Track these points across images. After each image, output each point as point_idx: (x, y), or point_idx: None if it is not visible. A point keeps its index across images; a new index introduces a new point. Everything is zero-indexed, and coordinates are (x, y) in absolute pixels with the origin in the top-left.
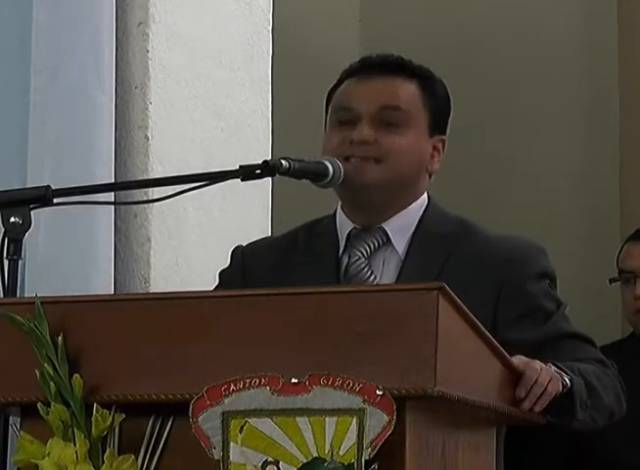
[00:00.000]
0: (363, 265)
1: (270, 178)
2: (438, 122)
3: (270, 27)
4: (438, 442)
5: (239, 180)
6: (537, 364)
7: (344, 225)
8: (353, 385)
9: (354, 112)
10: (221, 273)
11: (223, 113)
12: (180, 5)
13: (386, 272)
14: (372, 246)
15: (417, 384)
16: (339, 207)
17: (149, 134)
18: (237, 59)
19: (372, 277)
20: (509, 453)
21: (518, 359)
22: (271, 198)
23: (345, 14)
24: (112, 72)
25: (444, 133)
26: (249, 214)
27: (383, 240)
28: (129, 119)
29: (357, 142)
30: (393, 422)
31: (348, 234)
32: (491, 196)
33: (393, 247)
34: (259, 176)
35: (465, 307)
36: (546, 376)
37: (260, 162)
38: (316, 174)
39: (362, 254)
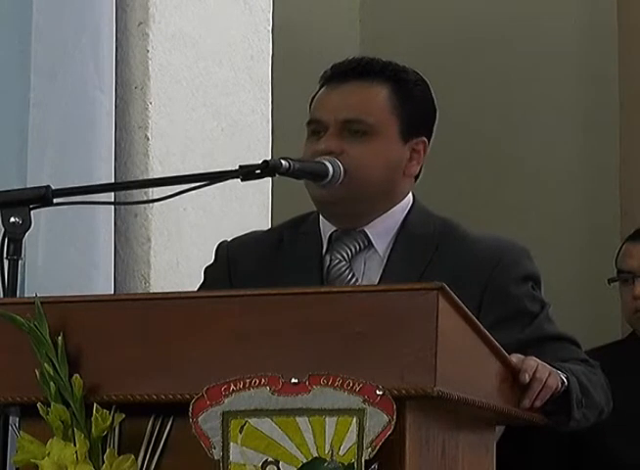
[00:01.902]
0: (344, 268)
1: (270, 178)
2: (415, 125)
3: (270, 27)
4: (438, 442)
5: (239, 180)
6: (535, 359)
7: (327, 226)
8: (353, 385)
9: (322, 123)
10: (206, 269)
11: (223, 113)
12: (180, 5)
13: (367, 275)
14: (353, 249)
15: (417, 384)
16: None
17: (149, 134)
18: (237, 59)
19: (353, 280)
20: (509, 453)
21: (515, 356)
22: (271, 198)
23: (345, 14)
24: (112, 72)
25: (425, 135)
26: (249, 214)
27: (364, 243)
28: (129, 119)
29: (323, 152)
30: (393, 422)
31: (330, 236)
32: (491, 196)
33: (375, 249)
34: (259, 176)
35: (465, 307)
36: (544, 371)
37: (260, 162)
38: (316, 174)
39: (343, 257)
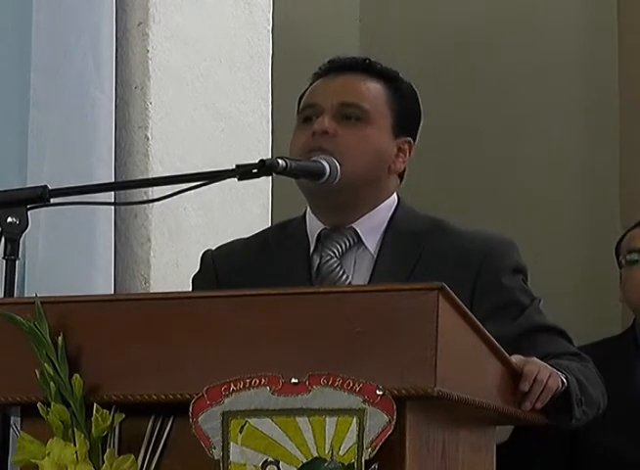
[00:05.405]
0: (335, 265)
1: (270, 178)
2: (404, 124)
3: (270, 27)
4: (438, 442)
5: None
6: (536, 361)
7: (315, 226)
8: (353, 385)
9: (317, 107)
10: (193, 279)
11: (223, 113)
12: (180, 5)
13: (358, 272)
14: (343, 246)
15: (417, 384)
16: (308, 208)
17: (149, 134)
18: (237, 59)
19: (344, 277)
20: (509, 453)
21: (516, 358)
22: (271, 198)
23: (345, 14)
24: (112, 72)
25: (412, 136)
26: (249, 214)
27: (354, 240)
28: (129, 119)
29: (319, 132)
30: (393, 422)
31: (319, 235)
32: (492, 196)
33: (365, 246)
34: (256, 175)
35: (465, 307)
36: (545, 372)
37: (257, 161)
38: (313, 173)
39: (334, 254)
